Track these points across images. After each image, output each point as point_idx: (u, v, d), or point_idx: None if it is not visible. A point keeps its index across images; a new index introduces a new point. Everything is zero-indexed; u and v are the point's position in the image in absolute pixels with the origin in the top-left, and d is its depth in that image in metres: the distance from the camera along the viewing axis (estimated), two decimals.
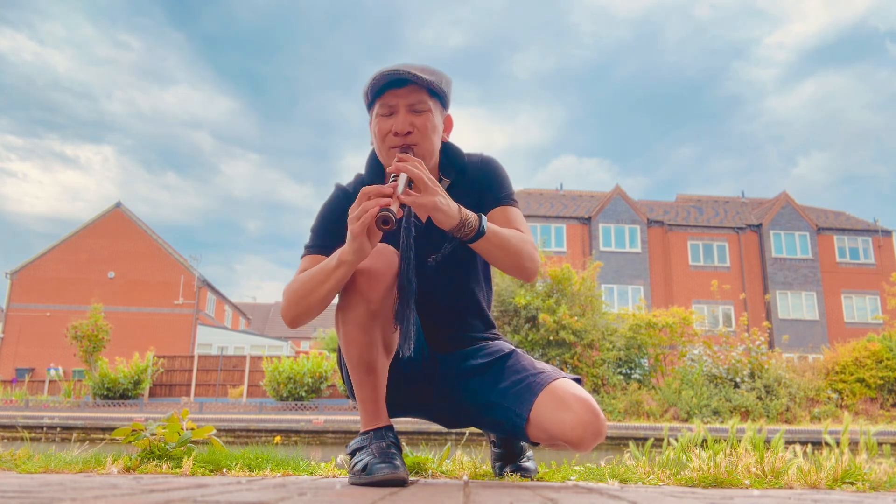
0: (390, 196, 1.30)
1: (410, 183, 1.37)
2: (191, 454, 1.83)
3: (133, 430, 1.94)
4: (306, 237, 1.66)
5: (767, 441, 3.60)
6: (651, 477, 1.73)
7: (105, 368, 19.53)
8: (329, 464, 1.99)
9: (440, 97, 1.59)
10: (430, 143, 1.56)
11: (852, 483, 1.60)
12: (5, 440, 10.40)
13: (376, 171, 1.66)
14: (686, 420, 14.88)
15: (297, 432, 13.33)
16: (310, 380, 19.32)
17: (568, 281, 17.44)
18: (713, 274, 28.55)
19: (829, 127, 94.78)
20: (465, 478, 1.77)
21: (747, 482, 1.59)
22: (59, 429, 13.45)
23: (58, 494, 0.99)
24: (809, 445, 2.96)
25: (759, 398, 15.82)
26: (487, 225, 1.43)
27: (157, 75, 68.38)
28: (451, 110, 1.69)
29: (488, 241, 1.44)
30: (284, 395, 19.18)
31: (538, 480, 1.77)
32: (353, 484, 1.44)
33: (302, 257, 1.62)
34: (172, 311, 31.65)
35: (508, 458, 1.88)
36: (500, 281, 16.88)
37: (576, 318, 16.76)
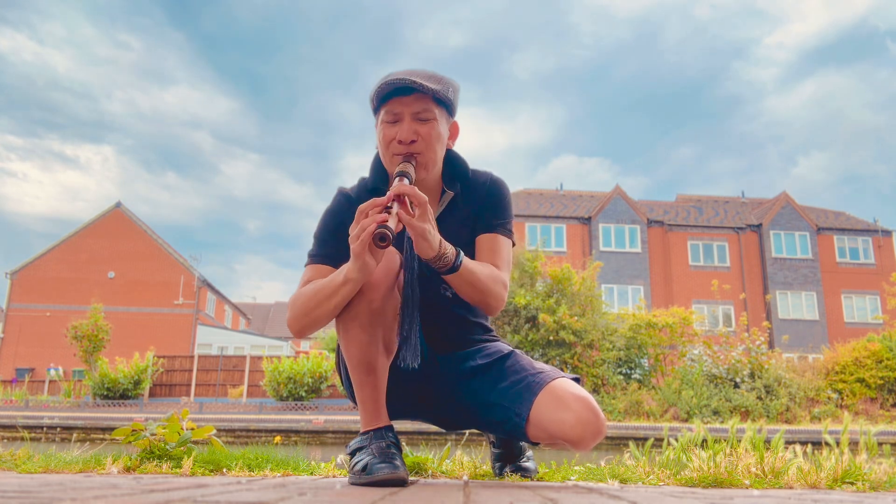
0: (388, 209, 1.31)
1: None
2: (191, 454, 1.83)
3: (133, 431, 1.94)
4: (309, 242, 1.67)
5: (767, 441, 3.61)
6: (651, 477, 1.73)
7: (105, 368, 19.53)
8: (329, 464, 1.99)
9: (446, 105, 1.59)
10: (433, 153, 1.56)
11: (852, 483, 1.60)
12: (5, 440, 10.40)
13: (380, 175, 1.67)
14: (686, 420, 14.89)
15: (297, 432, 13.33)
16: (310, 380, 19.32)
17: (568, 281, 17.45)
18: (713, 274, 28.55)
19: (830, 127, 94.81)
20: (465, 478, 1.77)
21: (747, 482, 1.59)
22: (59, 429, 13.45)
23: (58, 494, 0.99)
24: (809, 445, 2.96)
25: (759, 398, 15.82)
26: (463, 262, 1.45)
27: (157, 75, 68.41)
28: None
29: (460, 277, 1.46)
30: (284, 395, 19.19)
31: (538, 480, 1.77)
32: (353, 484, 1.44)
33: (306, 265, 1.62)
34: (172, 311, 31.65)
35: (508, 458, 1.88)
36: None
37: (576, 318, 16.76)
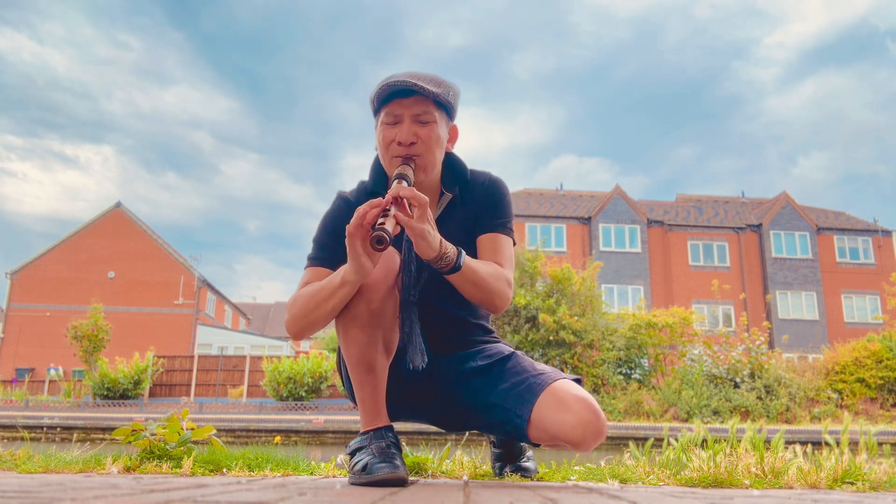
0: (386, 211, 1.31)
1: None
2: (191, 454, 1.83)
3: (133, 431, 1.94)
4: (309, 242, 1.68)
5: (767, 441, 3.61)
6: (651, 477, 1.73)
7: (105, 368, 19.53)
8: (329, 464, 1.99)
9: (446, 108, 1.60)
10: (432, 155, 1.56)
11: (852, 483, 1.60)
12: (5, 440, 10.40)
13: (380, 178, 1.67)
14: (686, 420, 14.89)
15: (297, 432, 13.33)
16: (310, 380, 19.32)
17: (568, 281, 17.45)
18: (713, 274, 28.55)
19: (830, 126, 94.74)
20: (465, 478, 1.77)
21: (747, 482, 1.59)
22: (59, 429, 13.45)
23: (58, 494, 0.99)
24: (809, 445, 2.96)
25: (759, 398, 15.82)
26: (465, 261, 1.45)
27: (157, 75, 68.39)
28: None
29: (463, 277, 1.46)
30: (284, 395, 19.19)
31: (538, 480, 1.77)
32: (353, 484, 1.44)
33: (305, 268, 1.63)
34: (172, 311, 31.65)
35: (508, 459, 1.88)
36: None
37: (576, 318, 16.76)
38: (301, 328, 1.48)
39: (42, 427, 13.49)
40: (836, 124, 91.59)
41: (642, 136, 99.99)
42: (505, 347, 1.71)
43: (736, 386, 16.35)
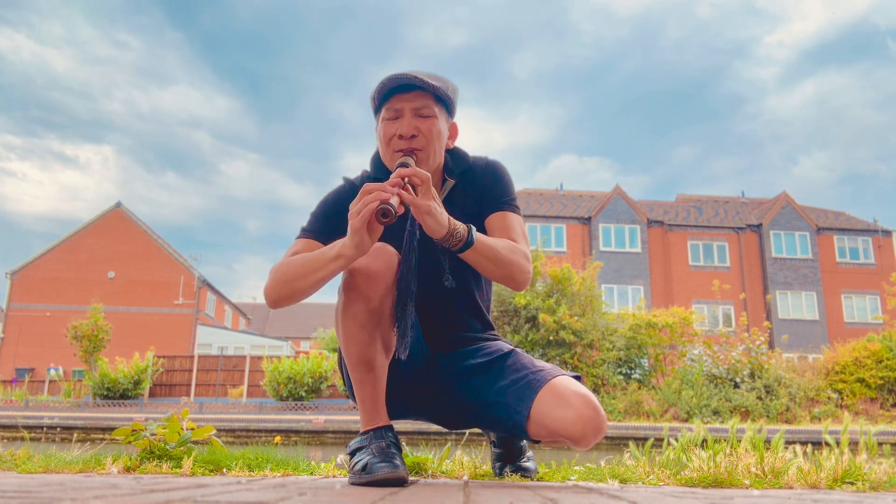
0: (391, 191, 1.31)
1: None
2: (191, 454, 1.83)
3: (133, 430, 1.94)
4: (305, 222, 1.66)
5: (767, 441, 3.61)
6: (651, 477, 1.73)
7: (105, 368, 19.53)
8: (329, 464, 1.99)
9: (446, 104, 1.60)
10: (433, 148, 1.57)
11: (852, 483, 1.60)
12: (5, 440, 10.40)
13: (380, 173, 1.67)
14: (686, 420, 14.89)
15: (297, 432, 13.33)
16: (310, 380, 19.32)
17: (568, 281, 17.45)
18: (713, 274, 28.54)
19: (830, 126, 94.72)
20: (465, 478, 1.77)
21: (747, 482, 1.59)
22: (59, 429, 13.45)
23: (58, 494, 0.99)
24: (809, 445, 2.96)
25: (759, 398, 15.82)
26: (476, 236, 1.43)
27: (157, 75, 68.37)
28: None
29: (477, 253, 1.44)
30: (284, 395, 19.18)
31: (538, 480, 1.77)
32: (353, 484, 1.44)
33: (297, 238, 1.61)
34: (172, 311, 31.65)
35: (508, 458, 1.88)
36: None
37: (576, 318, 16.76)
38: (281, 295, 1.45)
39: (42, 427, 13.49)
40: (836, 123, 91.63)
41: (642, 136, 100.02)
42: (504, 345, 1.71)
43: (736, 386, 16.34)
